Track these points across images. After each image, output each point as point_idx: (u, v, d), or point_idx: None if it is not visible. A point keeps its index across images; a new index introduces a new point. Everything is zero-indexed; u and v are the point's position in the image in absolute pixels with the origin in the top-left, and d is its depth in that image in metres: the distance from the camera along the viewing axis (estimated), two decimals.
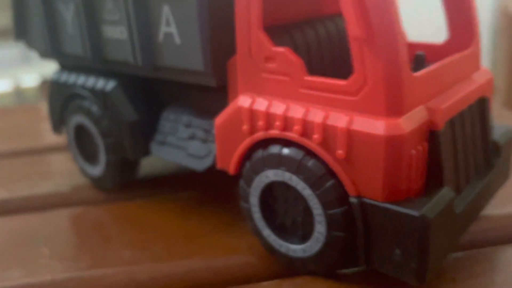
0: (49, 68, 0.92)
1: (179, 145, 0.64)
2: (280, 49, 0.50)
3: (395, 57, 0.43)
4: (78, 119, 0.74)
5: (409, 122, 0.44)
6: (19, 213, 0.73)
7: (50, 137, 0.99)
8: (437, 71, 0.50)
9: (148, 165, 0.82)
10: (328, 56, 0.60)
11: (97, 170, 0.75)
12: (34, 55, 0.83)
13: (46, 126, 1.00)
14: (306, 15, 0.63)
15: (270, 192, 0.54)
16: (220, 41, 0.56)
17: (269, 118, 0.50)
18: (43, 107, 1.20)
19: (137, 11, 0.59)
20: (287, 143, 0.50)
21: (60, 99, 0.77)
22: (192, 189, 0.76)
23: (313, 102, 0.49)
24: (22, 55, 2.04)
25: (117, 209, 0.73)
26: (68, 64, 0.78)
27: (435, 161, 0.47)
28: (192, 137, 0.63)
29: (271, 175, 0.51)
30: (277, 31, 0.56)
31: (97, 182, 0.76)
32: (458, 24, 0.59)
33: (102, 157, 0.73)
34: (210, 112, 0.63)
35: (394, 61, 0.43)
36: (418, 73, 0.46)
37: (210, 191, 0.75)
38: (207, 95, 0.63)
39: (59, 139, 0.97)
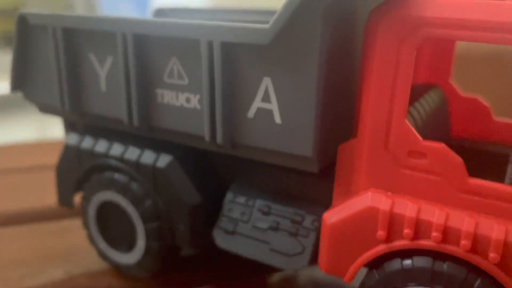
0: None
1: (256, 236, 0.54)
2: (434, 144, 0.42)
3: None
4: (106, 195, 0.61)
5: None
6: None
7: None
8: None
9: None
10: (437, 136, 0.54)
11: (129, 257, 0.61)
12: None
13: None
14: None
15: None
16: (332, 123, 0.48)
17: (420, 226, 0.42)
18: None
19: (225, 81, 0.48)
20: (439, 256, 0.42)
21: (79, 169, 0.62)
22: (244, 272, 0.65)
23: (475, 210, 0.41)
24: None
25: None
26: (86, 124, 0.64)
27: None
28: (274, 228, 0.53)
29: None
30: None
31: (126, 270, 0.63)
32: None
33: (140, 242, 0.59)
34: (297, 198, 0.54)
35: None
36: None
37: (265, 276, 0.65)
38: (293, 177, 0.54)
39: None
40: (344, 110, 0.49)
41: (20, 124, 1.75)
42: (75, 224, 0.75)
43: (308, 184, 0.53)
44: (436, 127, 0.57)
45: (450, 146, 0.42)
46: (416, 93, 0.55)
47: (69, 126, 0.69)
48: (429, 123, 0.54)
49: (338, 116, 0.49)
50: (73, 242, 0.71)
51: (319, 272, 0.66)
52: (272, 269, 0.65)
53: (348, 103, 0.49)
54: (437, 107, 0.57)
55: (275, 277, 0.65)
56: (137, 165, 0.57)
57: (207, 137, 0.51)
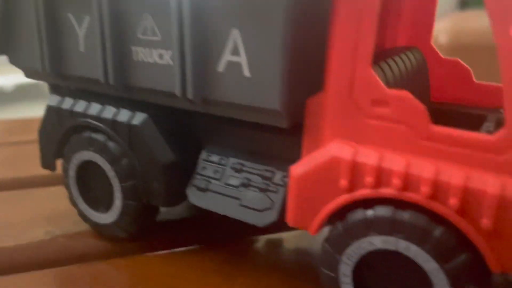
0: None
1: (228, 193, 0.54)
2: (397, 92, 0.42)
3: None
4: (85, 155, 0.61)
5: None
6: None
7: None
8: None
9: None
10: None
11: (107, 216, 0.62)
12: None
13: None
14: (380, 46, 0.55)
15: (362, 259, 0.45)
16: (301, 76, 0.47)
17: (381, 174, 0.42)
18: None
19: (194, 35, 0.48)
20: (402, 204, 0.42)
21: (59, 130, 0.63)
22: (224, 235, 0.65)
23: (437, 158, 0.41)
24: None
25: (133, 265, 0.60)
26: (68, 87, 0.65)
27: None
28: (246, 185, 0.53)
29: (377, 242, 0.43)
30: None
31: (104, 230, 0.63)
32: None
33: (117, 202, 0.60)
34: (269, 155, 0.53)
35: None
36: None
37: (247, 240, 0.65)
38: (265, 134, 0.53)
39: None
40: (314, 65, 0.49)
41: (32, 110, 1.77)
42: (62, 190, 0.76)
43: (279, 142, 0.53)
44: (414, 89, 0.56)
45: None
46: (393, 53, 0.54)
47: (54, 91, 0.70)
48: (406, 84, 0.53)
49: (308, 71, 0.48)
50: (58, 206, 0.72)
51: (304, 239, 0.66)
52: (256, 232, 0.65)
53: (318, 57, 0.49)
54: (414, 68, 0.56)
55: (260, 242, 0.65)
56: (113, 123, 0.58)
57: (178, 92, 0.51)
